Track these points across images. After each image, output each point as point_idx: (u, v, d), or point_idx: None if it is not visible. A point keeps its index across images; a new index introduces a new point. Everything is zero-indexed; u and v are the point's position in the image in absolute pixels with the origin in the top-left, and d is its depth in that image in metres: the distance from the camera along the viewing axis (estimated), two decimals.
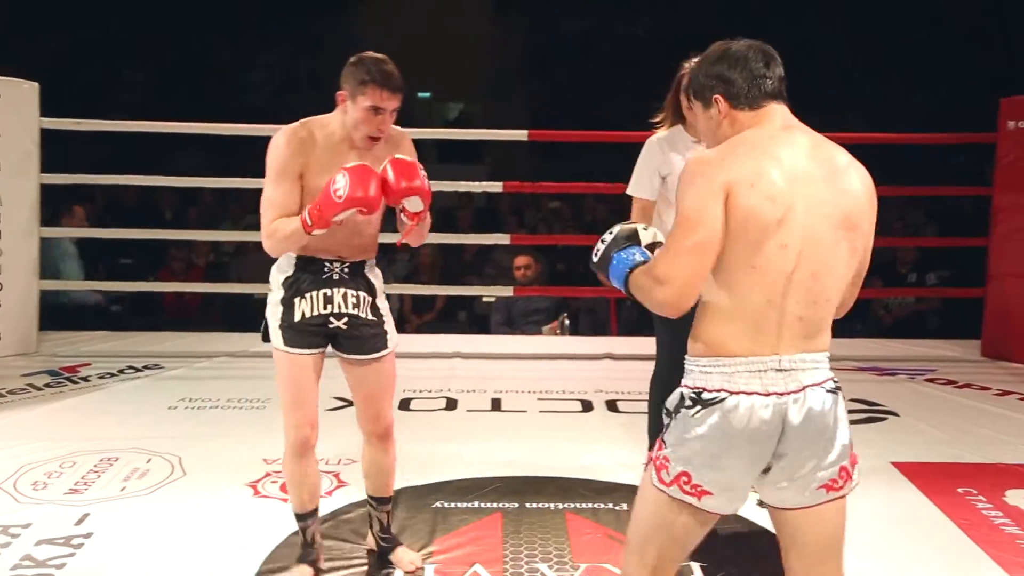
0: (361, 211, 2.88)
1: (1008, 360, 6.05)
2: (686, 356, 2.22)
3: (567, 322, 6.91)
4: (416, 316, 7.99)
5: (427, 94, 15.54)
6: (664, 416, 2.23)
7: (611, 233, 2.36)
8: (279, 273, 3.16)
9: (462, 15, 15.95)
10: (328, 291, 3.11)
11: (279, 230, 2.98)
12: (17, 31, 14.75)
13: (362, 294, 3.17)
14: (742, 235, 2.09)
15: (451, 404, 5.32)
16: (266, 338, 3.18)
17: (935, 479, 4.29)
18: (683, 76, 3.67)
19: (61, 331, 6.03)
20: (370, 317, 3.18)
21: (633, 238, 2.33)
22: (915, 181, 8.08)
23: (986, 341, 6.23)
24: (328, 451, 4.36)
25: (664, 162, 3.86)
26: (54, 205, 6.54)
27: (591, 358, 6.04)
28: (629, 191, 4.00)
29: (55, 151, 5.89)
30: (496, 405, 5.41)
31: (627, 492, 4.02)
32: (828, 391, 2.15)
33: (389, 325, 3.25)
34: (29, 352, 5.69)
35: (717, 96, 2.23)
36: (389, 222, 3.17)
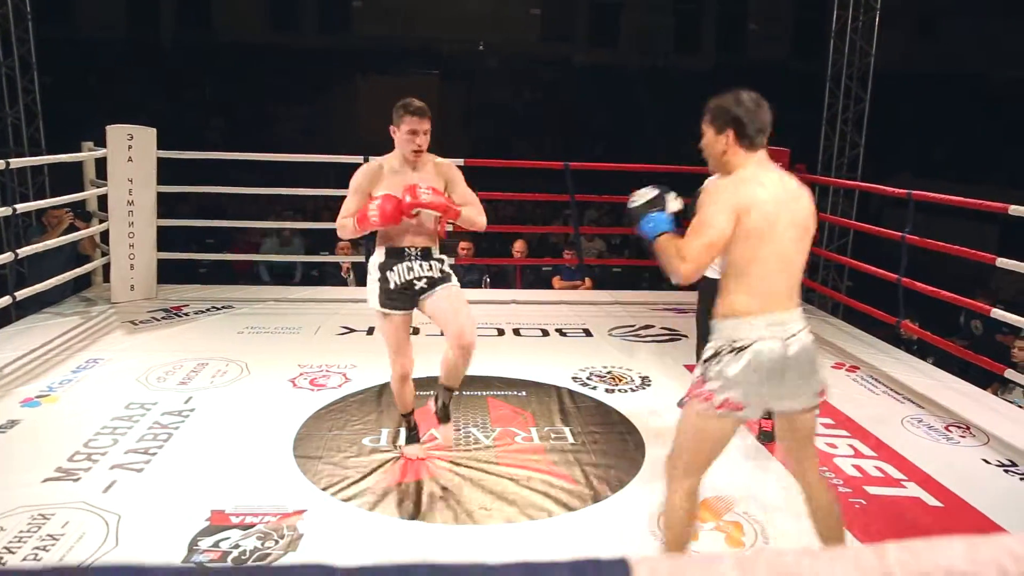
0: (382, 225, 2.82)
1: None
2: (714, 321, 2.13)
3: (488, 279, 7.01)
4: None
5: None
6: (701, 365, 2.13)
7: (648, 195, 2.15)
8: (374, 262, 3.00)
9: (422, 87, 15.86)
10: (409, 264, 2.95)
11: (344, 225, 2.91)
12: (144, 94, 14.46)
13: (435, 263, 2.99)
14: (751, 241, 2.06)
15: (415, 331, 5.26)
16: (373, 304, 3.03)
17: None
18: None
19: (172, 284, 6.02)
20: (437, 275, 2.98)
21: (659, 203, 2.13)
22: None
23: None
24: (338, 360, 4.51)
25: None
26: (168, 205, 6.48)
27: (503, 302, 6.04)
28: None
29: (168, 172, 5.86)
30: (442, 332, 5.38)
31: (527, 385, 4.10)
32: (808, 334, 2.13)
33: (454, 278, 3.03)
34: (151, 297, 5.67)
35: (730, 131, 2.13)
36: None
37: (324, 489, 2.94)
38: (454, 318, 2.94)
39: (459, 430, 3.52)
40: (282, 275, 8.08)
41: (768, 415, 2.79)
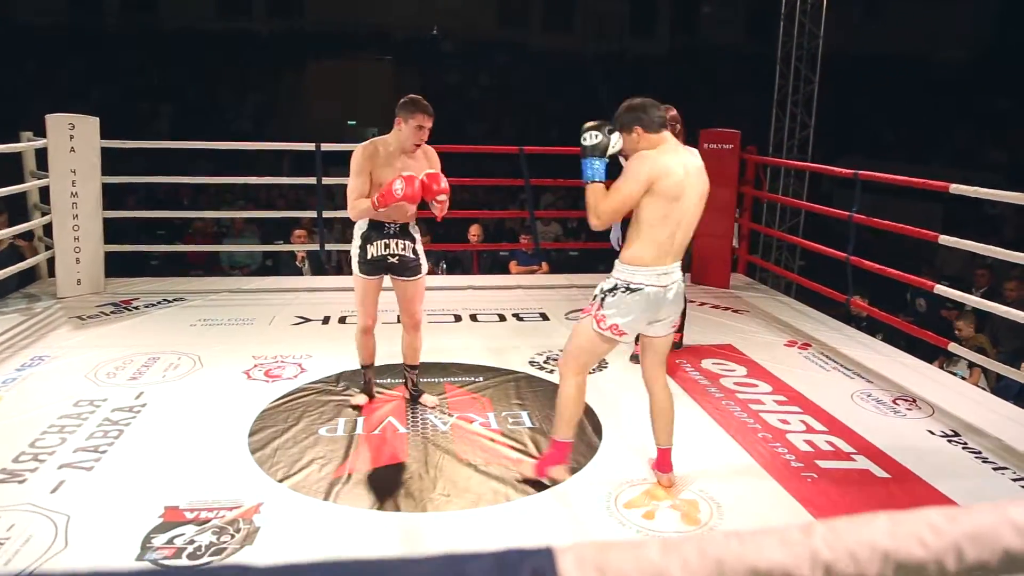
0: (407, 202, 3.09)
1: (705, 285, 6.16)
2: (616, 262, 2.66)
3: (444, 265, 7.00)
4: (348, 263, 7.85)
5: (354, 122, 15.26)
6: (600, 293, 2.65)
7: (597, 136, 2.60)
8: (358, 231, 3.34)
9: (376, 73, 15.66)
10: (387, 240, 3.33)
11: (357, 206, 3.22)
12: (88, 82, 13.98)
13: (407, 242, 3.37)
14: (659, 202, 2.55)
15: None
16: (349, 271, 3.44)
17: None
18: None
19: (119, 277, 5.86)
20: (410, 256, 3.39)
21: (603, 148, 2.60)
22: None
23: (693, 274, 6.26)
24: (293, 350, 4.45)
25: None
26: (112, 196, 6.30)
27: (459, 288, 6.02)
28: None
29: (112, 161, 5.69)
30: (398, 319, 5.31)
31: (484, 370, 4.09)
32: (682, 282, 2.71)
33: (422, 260, 3.44)
34: (99, 291, 5.52)
35: (637, 127, 2.62)
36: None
37: (281, 481, 2.91)
38: (412, 303, 3.50)
39: (415, 414, 3.51)
40: (245, 265, 7.93)
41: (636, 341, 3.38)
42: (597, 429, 3.45)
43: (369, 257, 3.33)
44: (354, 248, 3.36)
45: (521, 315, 5.33)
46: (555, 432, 2.88)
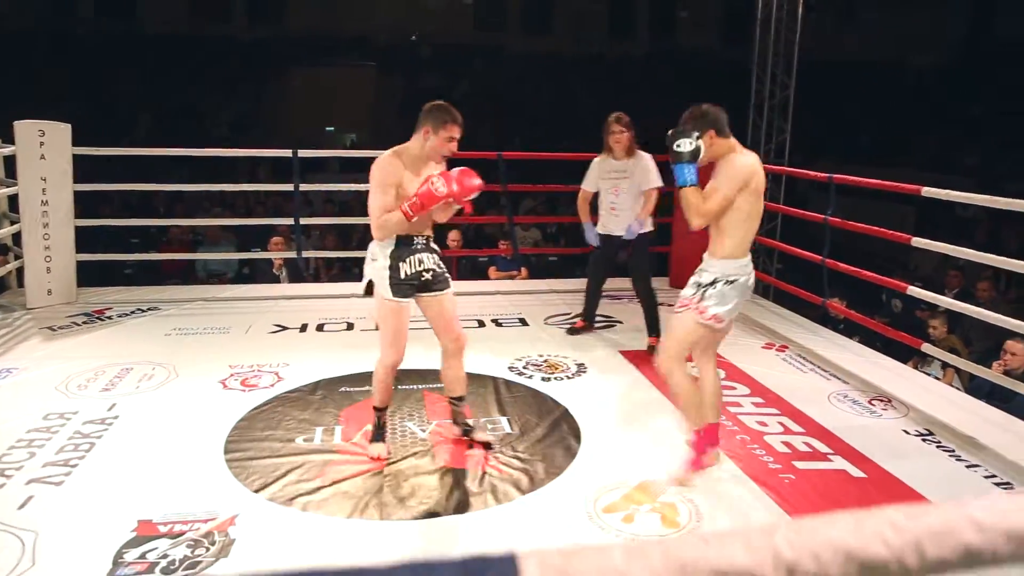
0: (454, 200, 2.94)
1: (683, 288, 6.25)
2: (708, 258, 2.91)
3: None
4: (326, 270, 7.82)
5: (331, 128, 15.16)
6: (698, 288, 2.88)
7: (691, 143, 2.77)
8: (382, 251, 3.00)
9: (356, 78, 15.61)
10: (419, 256, 3.04)
11: (388, 221, 2.93)
12: (61, 89, 13.82)
13: (435, 256, 3.12)
14: (749, 200, 2.83)
15: (350, 326, 5.12)
16: (368, 294, 3.09)
17: (643, 360, 4.39)
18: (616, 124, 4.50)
19: (92, 287, 5.78)
20: (440, 268, 3.13)
21: (697, 155, 2.78)
22: None
23: (672, 276, 6.36)
24: (270, 359, 4.41)
25: (598, 173, 4.64)
26: (85, 204, 6.22)
27: None
28: (584, 186, 4.72)
29: (86, 169, 5.62)
30: (378, 326, 5.25)
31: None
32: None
33: (448, 274, 3.19)
34: (71, 301, 5.45)
35: (711, 131, 2.82)
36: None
37: (257, 492, 2.88)
38: (454, 321, 3.21)
39: (393, 422, 3.49)
40: (221, 273, 7.84)
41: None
42: (576, 434, 3.45)
43: (403, 276, 3.00)
44: (380, 271, 3.00)
45: (500, 321, 5.32)
46: (691, 426, 3.08)
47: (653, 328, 4.68)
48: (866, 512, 0.62)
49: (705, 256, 2.93)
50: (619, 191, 4.58)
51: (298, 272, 6.70)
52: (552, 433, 3.45)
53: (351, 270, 7.84)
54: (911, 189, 4.39)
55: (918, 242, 4.31)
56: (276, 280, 6.62)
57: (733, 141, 2.87)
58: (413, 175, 2.97)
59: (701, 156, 2.78)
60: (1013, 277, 7.71)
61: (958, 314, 4.88)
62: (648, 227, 4.64)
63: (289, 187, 5.89)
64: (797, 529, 0.59)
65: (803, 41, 8.23)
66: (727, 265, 2.86)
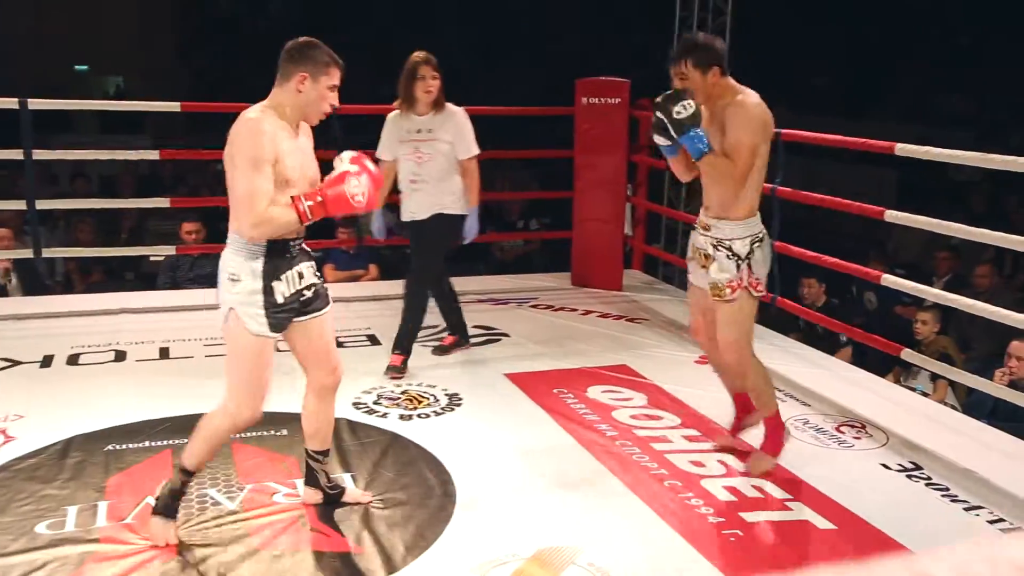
0: (370, 205, 3.00)
1: (590, 287, 6.39)
2: (724, 223, 3.38)
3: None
4: (81, 277, 7.51)
5: (84, 67, 14.55)
6: (738, 262, 3.35)
7: (690, 105, 3.18)
8: (248, 261, 2.90)
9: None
10: (298, 268, 3.00)
11: (274, 219, 2.83)
12: None
13: (313, 264, 3.11)
14: (764, 150, 3.34)
15: (120, 356, 5.02)
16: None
17: (537, 385, 4.55)
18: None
19: None
20: (319, 279, 3.14)
21: (699, 117, 3.21)
22: (525, 145, 8.48)
23: (574, 273, 6.57)
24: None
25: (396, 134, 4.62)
26: None
27: None
28: (378, 155, 4.60)
29: None
30: (164, 354, 5.11)
31: (287, 419, 3.91)
32: None
33: (327, 285, 3.22)
34: None
35: (715, 67, 3.26)
36: None
37: None
38: (333, 349, 3.24)
39: (188, 491, 3.40)
40: None
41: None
42: (448, 487, 3.50)
43: (282, 301, 2.95)
44: (247, 297, 2.92)
45: (342, 340, 5.26)
46: (762, 409, 3.63)
47: (400, 344, 4.77)
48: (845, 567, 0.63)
49: (716, 223, 3.40)
50: (422, 158, 4.61)
51: (37, 279, 6.44)
52: (416, 492, 3.47)
53: (120, 275, 7.58)
54: (881, 147, 4.62)
55: (893, 216, 4.55)
56: (2, 292, 6.35)
57: (731, 80, 3.32)
58: (288, 148, 2.90)
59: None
60: (1021, 259, 7.80)
61: (951, 308, 5.08)
62: (463, 209, 4.71)
63: (17, 154, 5.63)
64: None
65: None
66: (752, 224, 3.39)
